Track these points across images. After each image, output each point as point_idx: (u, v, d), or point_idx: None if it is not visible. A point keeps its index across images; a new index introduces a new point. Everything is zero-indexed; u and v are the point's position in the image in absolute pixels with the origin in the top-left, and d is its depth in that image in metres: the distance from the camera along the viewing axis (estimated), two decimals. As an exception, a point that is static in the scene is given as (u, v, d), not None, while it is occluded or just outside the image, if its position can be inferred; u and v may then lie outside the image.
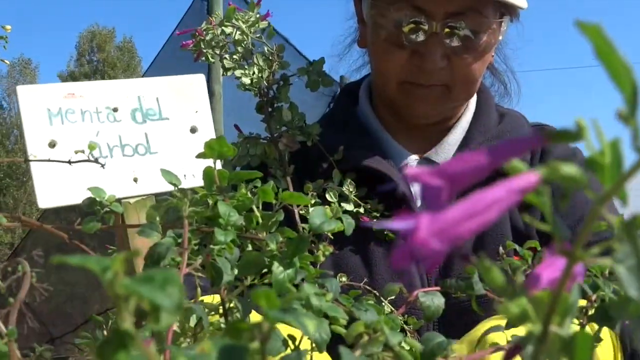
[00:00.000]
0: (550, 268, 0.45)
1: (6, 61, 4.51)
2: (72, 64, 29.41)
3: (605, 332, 0.80)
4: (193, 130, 0.86)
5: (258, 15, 1.09)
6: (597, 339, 0.75)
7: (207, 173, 0.74)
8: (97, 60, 29.04)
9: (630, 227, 0.38)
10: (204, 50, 1.07)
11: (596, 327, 0.73)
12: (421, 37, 1.09)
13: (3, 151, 25.14)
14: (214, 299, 0.75)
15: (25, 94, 0.77)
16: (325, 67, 1.14)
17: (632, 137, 0.37)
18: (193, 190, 0.75)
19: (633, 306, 0.42)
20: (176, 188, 0.74)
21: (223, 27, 1.06)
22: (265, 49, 1.09)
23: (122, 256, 0.33)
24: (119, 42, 29.77)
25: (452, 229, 0.40)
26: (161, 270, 0.34)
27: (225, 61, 1.07)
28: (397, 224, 0.39)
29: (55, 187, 0.76)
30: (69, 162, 0.75)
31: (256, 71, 1.07)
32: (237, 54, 1.07)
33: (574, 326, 0.72)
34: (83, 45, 29.42)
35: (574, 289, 0.42)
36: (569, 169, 0.39)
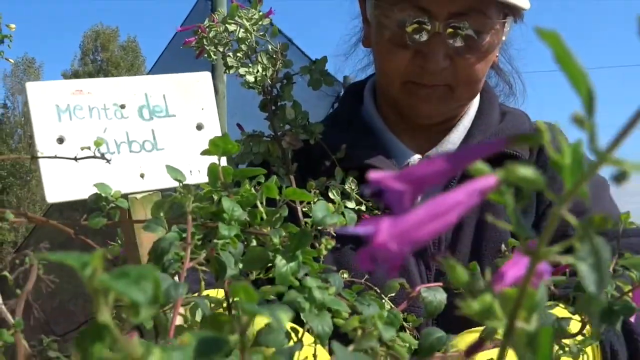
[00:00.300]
0: (516, 266, 0.46)
1: (11, 60, 4.52)
2: (76, 63, 29.48)
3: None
4: (199, 127, 0.87)
5: (261, 13, 1.10)
6: (598, 336, 0.77)
7: (212, 169, 0.75)
8: (100, 60, 29.10)
9: (588, 227, 0.39)
10: (207, 48, 1.08)
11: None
12: (424, 37, 1.09)
13: (7, 150, 25.18)
14: (218, 292, 0.77)
15: (35, 90, 0.79)
16: (330, 67, 1.16)
17: (589, 139, 0.38)
18: (198, 186, 0.76)
19: (595, 302, 0.44)
20: (181, 184, 0.75)
21: (227, 25, 1.07)
22: (269, 47, 1.10)
23: (100, 253, 0.35)
24: (123, 41, 29.83)
25: (411, 232, 0.41)
26: (135, 266, 0.35)
27: (228, 59, 1.08)
28: (359, 228, 0.40)
29: (63, 182, 0.77)
30: (75, 158, 0.77)
31: (260, 69, 1.08)
32: (241, 52, 1.08)
33: (575, 323, 0.74)
34: (87, 45, 29.49)
35: (542, 286, 0.43)
36: (526, 171, 0.40)
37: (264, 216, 0.78)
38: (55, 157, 0.77)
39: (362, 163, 1.13)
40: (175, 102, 0.86)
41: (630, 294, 0.72)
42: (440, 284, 0.83)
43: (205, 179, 0.76)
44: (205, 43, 1.08)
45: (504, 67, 1.28)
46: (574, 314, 0.75)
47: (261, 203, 0.77)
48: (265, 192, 0.77)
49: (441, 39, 1.09)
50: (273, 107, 1.12)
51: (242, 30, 1.08)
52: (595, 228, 0.39)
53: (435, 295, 0.80)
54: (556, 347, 0.76)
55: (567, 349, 0.75)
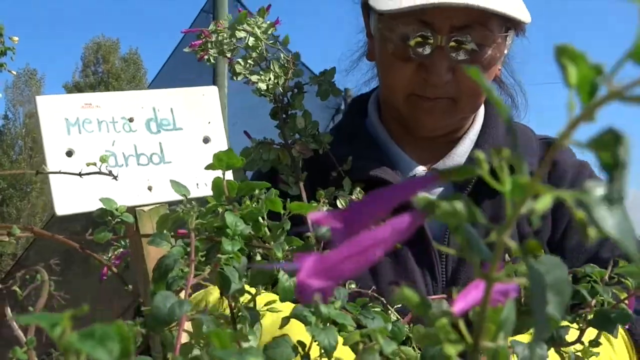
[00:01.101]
0: (477, 289, 0.47)
1: (13, 72, 4.55)
2: (77, 75, 29.51)
3: (620, 335, 0.81)
4: (206, 140, 0.88)
5: (268, 22, 1.11)
6: (596, 343, 0.77)
7: (216, 184, 0.76)
8: (102, 71, 29.15)
9: (525, 251, 0.40)
10: (210, 51, 1.09)
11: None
12: (427, 50, 1.11)
13: (7, 161, 25.19)
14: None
15: (44, 104, 0.80)
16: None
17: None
18: (204, 200, 0.77)
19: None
20: (185, 198, 0.76)
21: (236, 31, 1.08)
22: (282, 55, 1.12)
23: (69, 314, 0.36)
24: (125, 53, 29.86)
25: (335, 268, 0.42)
26: (101, 326, 0.36)
27: (237, 66, 1.09)
28: (291, 264, 0.43)
29: (72, 195, 0.78)
30: (80, 174, 0.78)
31: (272, 77, 1.10)
32: (251, 59, 1.10)
33: (573, 331, 0.74)
34: (88, 56, 29.54)
35: (509, 304, 0.44)
36: (449, 206, 0.41)
37: (267, 232, 0.78)
38: (60, 172, 0.78)
39: (367, 174, 1.14)
40: (183, 116, 0.87)
41: (626, 302, 0.73)
42: (445, 295, 0.83)
43: (211, 192, 0.77)
44: (210, 47, 1.09)
45: (507, 80, 1.29)
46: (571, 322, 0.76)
47: (264, 217, 0.78)
48: (269, 206, 0.78)
49: (444, 52, 1.10)
50: (284, 116, 1.13)
51: (252, 38, 1.09)
52: (531, 252, 0.39)
53: (440, 307, 0.81)
54: (556, 356, 0.76)
55: (566, 356, 0.76)
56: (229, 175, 0.77)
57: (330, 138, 1.14)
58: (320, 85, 1.15)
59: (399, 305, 0.87)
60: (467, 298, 0.48)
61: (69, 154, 0.79)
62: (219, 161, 0.75)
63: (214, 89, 0.90)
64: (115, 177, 0.78)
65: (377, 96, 1.30)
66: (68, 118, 0.80)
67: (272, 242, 0.78)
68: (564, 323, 0.76)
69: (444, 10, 1.08)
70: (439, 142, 1.23)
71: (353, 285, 0.93)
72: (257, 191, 0.77)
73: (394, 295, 0.85)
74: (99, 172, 0.76)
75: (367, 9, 1.23)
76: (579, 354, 0.77)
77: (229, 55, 1.09)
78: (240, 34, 1.09)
